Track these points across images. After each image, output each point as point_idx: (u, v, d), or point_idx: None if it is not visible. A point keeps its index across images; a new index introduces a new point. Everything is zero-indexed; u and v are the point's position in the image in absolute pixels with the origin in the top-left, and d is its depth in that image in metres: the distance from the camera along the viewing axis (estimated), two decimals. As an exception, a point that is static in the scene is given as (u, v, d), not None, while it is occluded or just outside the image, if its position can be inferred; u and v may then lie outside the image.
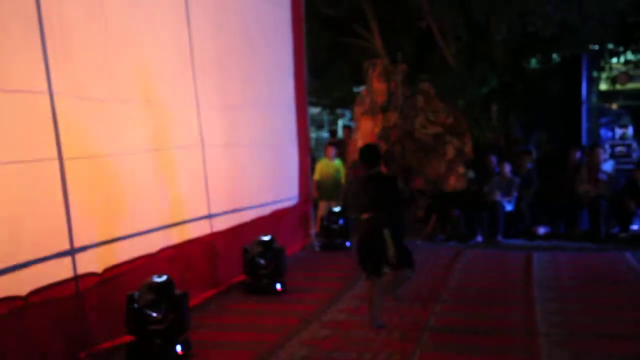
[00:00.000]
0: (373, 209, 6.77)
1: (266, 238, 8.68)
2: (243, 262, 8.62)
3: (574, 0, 12.88)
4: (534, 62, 15.72)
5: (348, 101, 20.12)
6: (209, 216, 8.57)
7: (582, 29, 13.44)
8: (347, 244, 11.46)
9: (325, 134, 23.06)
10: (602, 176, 11.94)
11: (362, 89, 15.29)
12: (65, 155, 5.98)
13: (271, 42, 10.97)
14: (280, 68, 11.38)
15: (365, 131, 14.35)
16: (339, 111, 21.56)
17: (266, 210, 10.23)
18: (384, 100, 14.15)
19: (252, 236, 8.90)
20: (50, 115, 5.87)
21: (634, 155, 14.93)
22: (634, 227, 11.96)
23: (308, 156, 12.27)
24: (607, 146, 14.99)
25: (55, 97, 5.92)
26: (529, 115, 15.22)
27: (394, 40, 15.68)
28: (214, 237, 8.59)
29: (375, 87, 14.34)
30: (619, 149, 15.69)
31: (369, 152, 7.08)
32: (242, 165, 9.63)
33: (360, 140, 13.90)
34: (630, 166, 13.46)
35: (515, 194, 12.28)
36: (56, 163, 5.91)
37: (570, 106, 14.99)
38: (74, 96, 6.19)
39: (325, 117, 23.29)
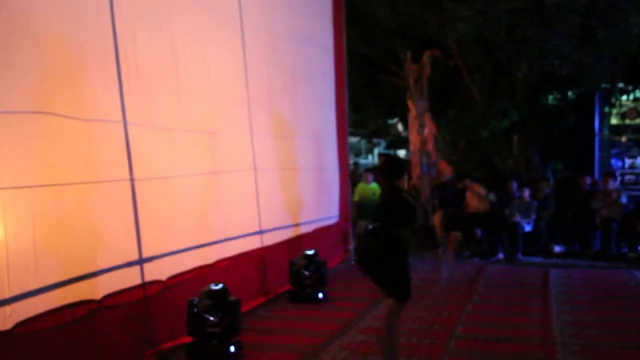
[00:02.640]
0: (378, 220, 5.74)
1: (310, 252, 8.68)
2: (289, 273, 8.62)
3: (589, 42, 12.77)
4: (551, 98, 15.59)
5: (383, 132, 20.18)
6: (260, 232, 8.60)
7: (595, 69, 13.33)
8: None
9: (363, 161, 23.05)
10: (623, 199, 11.97)
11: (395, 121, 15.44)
12: (136, 176, 6.06)
13: (317, 80, 11.06)
14: (324, 102, 11.45)
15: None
16: (375, 140, 21.55)
17: (310, 227, 10.23)
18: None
19: (297, 250, 8.92)
20: (123, 141, 5.97)
21: (642, 183, 14.79)
22: (642, 247, 11.79)
23: (348, 179, 12.28)
24: (617, 174, 14.81)
25: (129, 126, 6.01)
26: (547, 146, 15.08)
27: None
28: (264, 250, 8.61)
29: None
30: (628, 177, 15.54)
31: (386, 166, 5.99)
32: (289, 187, 9.67)
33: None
34: (638, 193, 13.26)
35: (533, 216, 12.17)
36: (128, 184, 5.99)
37: (584, 138, 14.86)
38: (144, 125, 6.28)
39: (363, 145, 23.31)
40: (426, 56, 13.95)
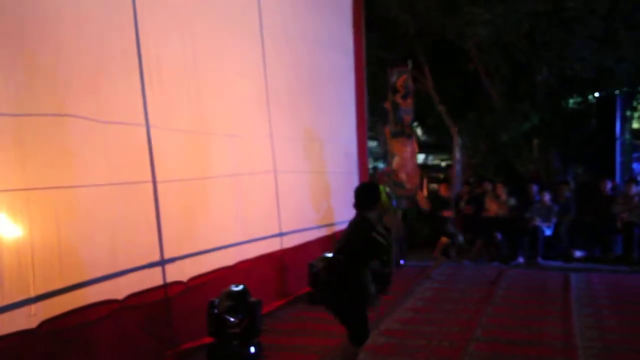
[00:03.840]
0: (339, 252, 5.28)
1: (330, 254, 8.67)
2: (308, 275, 8.64)
3: (610, 45, 12.67)
4: (572, 102, 15.49)
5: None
6: (280, 234, 8.64)
7: (616, 71, 13.22)
8: (402, 261, 11.44)
9: (381, 165, 22.98)
10: None
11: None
12: (158, 178, 6.13)
13: (337, 84, 11.09)
14: (344, 106, 11.47)
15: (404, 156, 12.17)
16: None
17: (330, 230, 10.25)
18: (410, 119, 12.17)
19: (316, 253, 8.93)
20: (146, 144, 6.04)
21: (665, 188, 14.55)
22: (665, 252, 11.64)
23: (368, 183, 12.22)
24: (639, 179, 14.64)
25: (151, 129, 6.09)
26: (568, 150, 14.98)
27: (444, 81, 15.65)
28: (284, 253, 8.65)
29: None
30: (650, 181, 15.34)
31: (358, 193, 5.34)
32: (309, 189, 9.71)
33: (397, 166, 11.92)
34: (661, 197, 13.09)
35: (554, 220, 12.08)
36: (150, 185, 6.06)
37: (605, 142, 14.71)
38: (166, 128, 6.35)
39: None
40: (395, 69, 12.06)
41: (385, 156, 20.31)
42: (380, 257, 5.29)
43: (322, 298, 5.38)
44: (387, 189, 11.36)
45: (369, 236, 5.14)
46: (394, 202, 11.79)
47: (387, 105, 11.99)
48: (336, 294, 5.18)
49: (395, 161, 11.99)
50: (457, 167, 14.80)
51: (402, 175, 11.95)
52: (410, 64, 12.02)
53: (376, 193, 5.45)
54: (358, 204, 5.29)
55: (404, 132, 11.95)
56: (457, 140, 14.62)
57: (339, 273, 5.19)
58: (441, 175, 17.43)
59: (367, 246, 5.15)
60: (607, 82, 13.78)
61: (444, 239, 12.10)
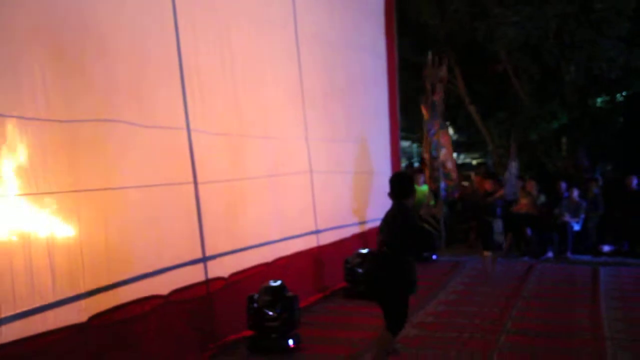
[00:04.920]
0: (382, 244, 5.20)
1: (364, 251, 8.68)
2: (344, 271, 8.64)
3: (638, 45, 12.42)
4: (599, 101, 15.23)
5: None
6: (316, 232, 8.64)
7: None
8: (434, 257, 11.35)
9: (416, 165, 22.90)
10: None
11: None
12: (199, 180, 6.17)
13: (370, 87, 11.06)
14: (377, 108, 11.44)
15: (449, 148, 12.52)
16: (425, 144, 21.39)
17: (364, 228, 10.23)
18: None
19: (352, 249, 8.92)
20: (187, 147, 6.09)
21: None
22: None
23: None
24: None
25: (192, 133, 6.13)
26: (596, 147, 14.74)
27: (474, 82, 15.51)
28: (320, 249, 8.65)
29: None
30: (677, 176, 14.99)
31: (394, 183, 5.32)
32: (344, 189, 9.70)
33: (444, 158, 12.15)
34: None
35: (582, 215, 11.88)
36: (192, 186, 6.11)
37: (633, 139, 14.45)
38: (206, 132, 6.39)
39: (415, 149, 23.16)
40: (442, 59, 12.35)
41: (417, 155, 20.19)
42: (427, 245, 5.19)
43: (368, 289, 5.30)
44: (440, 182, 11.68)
45: (413, 224, 5.17)
46: (444, 194, 11.86)
47: (428, 98, 12.18)
48: (384, 284, 5.10)
49: (443, 153, 12.20)
50: (513, 171, 12.96)
51: (449, 166, 12.06)
52: (430, 54, 12.13)
53: (410, 182, 5.41)
54: (394, 194, 5.25)
55: (445, 125, 12.24)
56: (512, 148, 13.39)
57: (386, 264, 5.10)
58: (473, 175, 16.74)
59: (413, 234, 5.15)
60: (634, 81, 13.53)
61: (486, 254, 9.65)
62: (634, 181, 12.19)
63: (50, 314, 4.43)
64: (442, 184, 12.11)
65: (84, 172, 4.86)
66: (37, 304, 4.35)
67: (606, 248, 11.76)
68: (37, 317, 4.34)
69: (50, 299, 4.44)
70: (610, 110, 15.11)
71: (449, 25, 13.89)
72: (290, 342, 6.10)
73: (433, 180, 12.09)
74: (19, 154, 4.33)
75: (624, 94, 14.93)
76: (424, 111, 12.44)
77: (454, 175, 12.42)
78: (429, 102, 12.25)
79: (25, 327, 4.23)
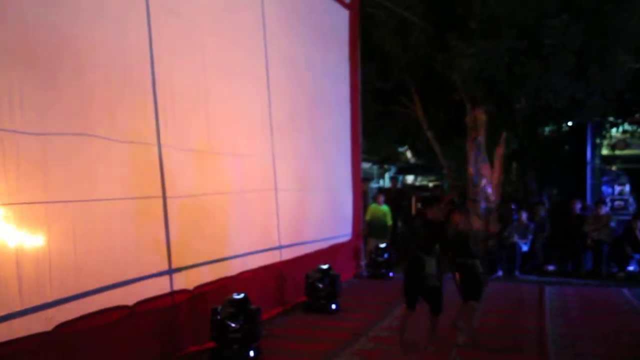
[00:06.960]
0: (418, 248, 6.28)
1: (324, 266, 8.63)
2: (305, 285, 8.58)
3: (582, 79, 12.71)
4: (547, 129, 15.55)
5: (394, 158, 20.12)
6: (279, 247, 8.58)
7: (587, 103, 13.26)
8: (391, 274, 11.35)
9: (374, 185, 23.00)
10: (612, 224, 11.89)
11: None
12: (168, 194, 6.09)
13: (333, 109, 11.08)
14: (340, 130, 11.46)
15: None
16: (386, 166, 21.51)
17: (325, 244, 10.18)
18: None
19: (313, 264, 8.87)
20: (157, 162, 6.00)
21: (630, 209, 14.62)
22: (630, 268, 11.74)
23: (361, 200, 12.25)
24: (607, 200, 14.70)
25: (163, 148, 6.05)
26: (543, 173, 15.03)
27: (432, 109, 15.65)
28: (282, 264, 8.58)
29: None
30: (617, 202, 15.37)
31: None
32: (307, 206, 9.65)
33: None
34: (627, 217, 13.12)
35: (530, 237, 12.06)
36: (160, 200, 6.02)
37: (577, 166, 14.77)
38: (176, 148, 6.32)
39: (375, 170, 23.28)
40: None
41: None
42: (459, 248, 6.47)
43: (411, 287, 6.30)
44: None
45: (446, 231, 6.33)
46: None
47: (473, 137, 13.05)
48: (429, 282, 6.17)
49: (483, 182, 12.70)
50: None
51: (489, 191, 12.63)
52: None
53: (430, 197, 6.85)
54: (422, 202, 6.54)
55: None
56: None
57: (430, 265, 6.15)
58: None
59: (448, 240, 6.35)
60: (579, 112, 13.83)
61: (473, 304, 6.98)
62: (578, 205, 12.47)
63: (16, 323, 4.30)
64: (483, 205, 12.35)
65: (56, 184, 4.74)
66: (4, 312, 4.21)
67: (551, 268, 11.97)
68: (3, 326, 4.21)
69: (17, 307, 4.31)
70: (556, 139, 15.42)
71: (410, 55, 14.00)
72: (252, 353, 6.00)
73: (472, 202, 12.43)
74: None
75: (569, 123, 15.25)
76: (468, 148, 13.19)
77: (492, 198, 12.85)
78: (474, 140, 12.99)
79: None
